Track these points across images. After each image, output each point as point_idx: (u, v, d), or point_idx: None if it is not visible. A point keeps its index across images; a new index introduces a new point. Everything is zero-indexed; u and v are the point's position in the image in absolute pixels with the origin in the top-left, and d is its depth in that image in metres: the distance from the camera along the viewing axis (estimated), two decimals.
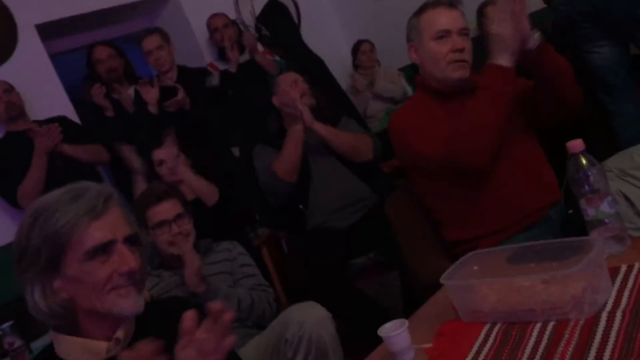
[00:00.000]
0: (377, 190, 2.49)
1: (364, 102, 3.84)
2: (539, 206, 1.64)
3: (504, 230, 1.64)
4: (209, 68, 3.46)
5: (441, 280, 1.19)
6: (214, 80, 3.13)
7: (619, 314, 1.00)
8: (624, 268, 1.14)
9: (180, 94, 2.98)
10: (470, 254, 1.30)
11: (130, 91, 3.25)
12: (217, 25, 3.56)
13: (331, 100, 3.40)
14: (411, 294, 2.28)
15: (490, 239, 1.63)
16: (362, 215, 2.46)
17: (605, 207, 1.19)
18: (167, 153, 2.61)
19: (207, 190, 2.58)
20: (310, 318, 1.58)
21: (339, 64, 4.10)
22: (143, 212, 1.98)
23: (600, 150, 1.81)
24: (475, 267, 1.28)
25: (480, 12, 3.65)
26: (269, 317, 1.90)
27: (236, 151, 3.32)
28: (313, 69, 3.60)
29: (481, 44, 3.59)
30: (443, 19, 1.70)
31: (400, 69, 3.85)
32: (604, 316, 1.01)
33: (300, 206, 2.52)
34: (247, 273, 1.99)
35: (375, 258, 2.47)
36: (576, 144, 1.20)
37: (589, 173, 1.19)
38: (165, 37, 3.21)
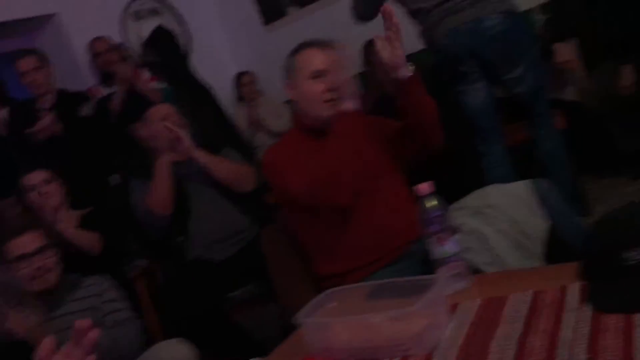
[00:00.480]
0: (257, 222, 2.50)
1: (251, 133, 3.87)
2: (403, 242, 1.71)
3: (369, 264, 1.70)
4: (88, 93, 3.35)
5: (295, 319, 1.21)
6: (88, 109, 3.02)
7: (454, 349, 1.07)
8: (464, 304, 1.22)
9: (47, 119, 2.86)
10: (329, 291, 1.33)
11: (3, 113, 3.08)
12: (99, 50, 3.47)
13: (215, 129, 3.39)
14: (289, 327, 2.30)
15: (357, 274, 1.69)
16: (242, 247, 2.46)
17: (449, 246, 1.27)
18: (37, 178, 2.50)
19: (87, 242, 2.45)
20: (174, 357, 1.54)
21: (229, 93, 4.12)
22: (2, 246, 1.87)
23: (470, 189, 1.94)
24: (334, 304, 1.31)
25: (367, 48, 3.79)
26: (135, 351, 1.83)
27: (116, 178, 3.22)
28: (199, 96, 3.58)
29: (368, 79, 3.77)
30: (318, 58, 1.78)
31: (288, 101, 3.92)
32: (440, 351, 1.07)
33: (179, 238, 2.49)
34: (115, 308, 1.92)
35: (254, 291, 2.46)
36: (423, 188, 1.28)
37: (435, 215, 1.27)
38: (43, 58, 3.08)
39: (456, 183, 2.31)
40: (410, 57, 1.73)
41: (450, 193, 1.90)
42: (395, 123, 1.83)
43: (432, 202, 1.28)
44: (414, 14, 2.65)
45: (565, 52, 3.04)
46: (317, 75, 1.74)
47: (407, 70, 1.70)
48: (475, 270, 1.66)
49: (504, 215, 1.72)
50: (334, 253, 1.73)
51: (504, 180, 2.72)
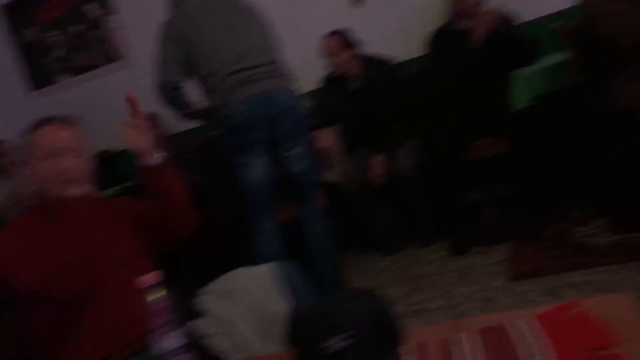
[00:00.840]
0: None
1: (7, 207, 3.50)
2: (140, 334, 1.63)
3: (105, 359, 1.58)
4: None
5: None
6: None
7: None
8: None
9: None
10: None
11: None
12: None
13: None
14: None
15: None
16: None
17: (171, 340, 1.23)
18: None
19: None
20: None
21: None
22: None
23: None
24: None
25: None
26: None
27: None
28: None
29: None
30: (56, 136, 1.68)
31: None
32: None
33: None
34: None
35: None
36: (147, 279, 1.24)
37: (159, 307, 1.23)
38: None
39: (225, 262, 2.31)
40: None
41: (218, 272, 1.90)
42: (142, 205, 1.78)
43: (157, 294, 1.24)
44: (205, 78, 2.66)
45: (327, 137, 3.29)
46: (53, 154, 1.64)
47: (154, 158, 1.69)
48: (219, 357, 1.64)
49: (250, 299, 1.74)
50: (66, 348, 1.58)
51: (274, 259, 2.80)
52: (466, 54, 3.04)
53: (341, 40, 3.34)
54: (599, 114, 2.55)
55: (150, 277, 1.24)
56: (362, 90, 3.38)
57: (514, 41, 3.00)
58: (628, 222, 2.64)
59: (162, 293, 1.25)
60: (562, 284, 2.39)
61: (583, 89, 2.60)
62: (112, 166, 3.95)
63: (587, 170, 2.88)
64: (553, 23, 2.79)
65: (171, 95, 2.73)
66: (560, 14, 3.13)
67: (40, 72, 4.12)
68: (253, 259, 2.59)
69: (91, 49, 4.07)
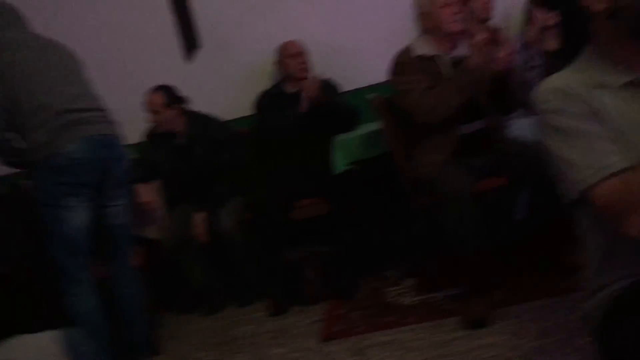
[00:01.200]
0: None
1: None
2: None
3: None
4: None
5: None
6: None
7: None
8: None
9: None
10: None
11: None
12: None
13: None
14: None
15: None
16: None
17: None
18: None
19: None
20: None
21: None
22: None
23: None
24: None
25: None
26: None
27: None
28: None
29: None
30: None
31: None
32: None
33: None
34: None
35: None
36: None
37: None
38: None
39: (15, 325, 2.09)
40: None
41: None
42: None
43: None
44: (29, 113, 2.41)
45: (147, 192, 3.18)
46: None
47: None
48: None
49: None
50: None
51: (90, 315, 2.58)
52: (292, 117, 3.13)
53: (165, 96, 3.29)
54: (403, 181, 2.74)
55: None
56: (185, 147, 3.33)
57: (337, 108, 3.16)
58: (430, 283, 2.83)
59: None
60: (368, 344, 2.47)
61: (392, 157, 2.79)
62: None
63: (396, 232, 3.06)
64: (368, 94, 2.97)
65: None
66: (375, 87, 3.36)
67: None
68: (53, 320, 2.38)
69: None
